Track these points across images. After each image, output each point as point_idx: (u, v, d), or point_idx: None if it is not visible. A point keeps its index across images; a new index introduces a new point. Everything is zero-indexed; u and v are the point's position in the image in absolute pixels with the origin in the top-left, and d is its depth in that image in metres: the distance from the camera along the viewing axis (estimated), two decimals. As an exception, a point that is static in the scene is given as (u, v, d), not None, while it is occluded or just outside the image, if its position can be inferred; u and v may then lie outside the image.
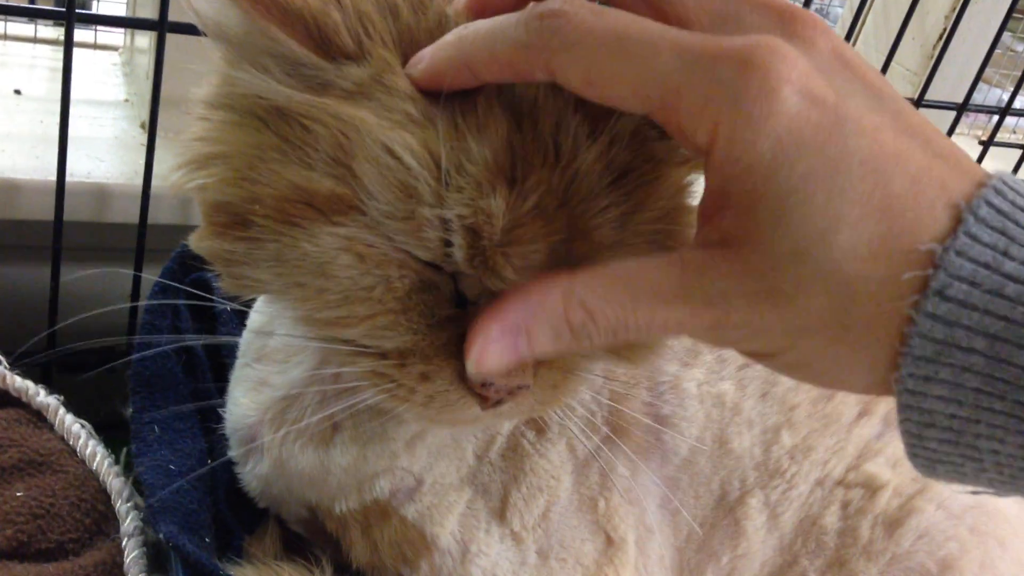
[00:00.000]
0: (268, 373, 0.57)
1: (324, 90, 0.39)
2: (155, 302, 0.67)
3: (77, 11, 0.66)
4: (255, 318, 0.60)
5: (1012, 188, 0.33)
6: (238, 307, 0.71)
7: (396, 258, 0.39)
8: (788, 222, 0.33)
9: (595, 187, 0.40)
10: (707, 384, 0.62)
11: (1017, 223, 0.32)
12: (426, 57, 0.38)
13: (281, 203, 0.39)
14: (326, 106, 0.38)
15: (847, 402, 0.65)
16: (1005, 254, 0.32)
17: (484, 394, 0.40)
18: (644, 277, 0.35)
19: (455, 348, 0.40)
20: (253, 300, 0.64)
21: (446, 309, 0.40)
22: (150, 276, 0.72)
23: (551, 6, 0.35)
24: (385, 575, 0.59)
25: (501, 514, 0.58)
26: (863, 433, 0.64)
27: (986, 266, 0.32)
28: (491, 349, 0.36)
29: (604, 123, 0.40)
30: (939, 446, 0.34)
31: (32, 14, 0.78)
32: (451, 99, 0.38)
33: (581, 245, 0.40)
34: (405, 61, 0.39)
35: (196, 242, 0.44)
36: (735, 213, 0.34)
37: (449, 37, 0.38)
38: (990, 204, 0.33)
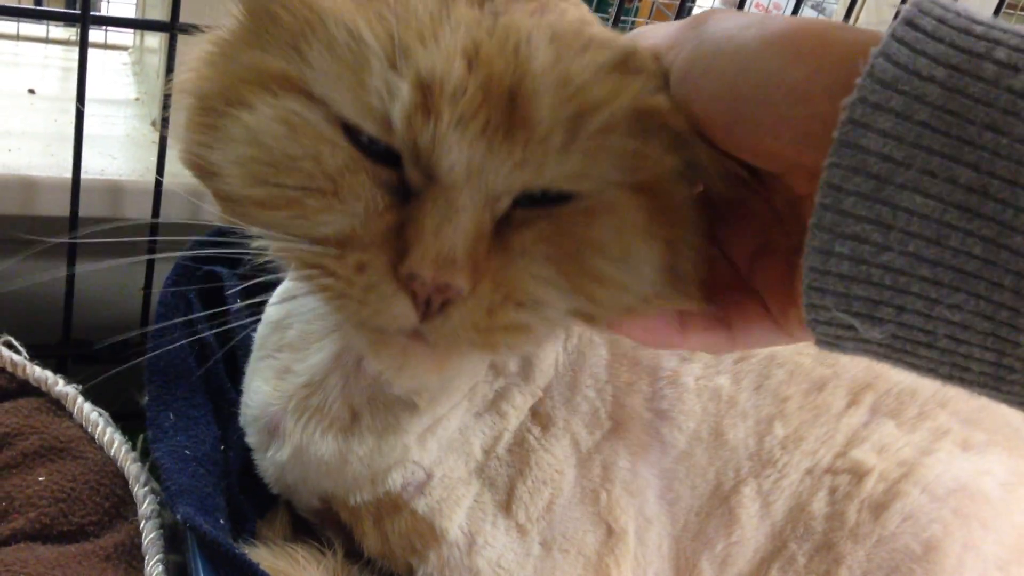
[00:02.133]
0: (291, 361, 0.58)
1: None
2: (170, 289, 0.69)
3: (91, 13, 0.69)
4: (271, 312, 0.62)
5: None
6: (249, 302, 0.73)
7: (329, 136, 0.39)
8: None
9: (544, 90, 0.39)
10: (704, 378, 0.64)
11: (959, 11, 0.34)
12: None
13: (237, 85, 0.41)
14: None
15: (836, 393, 0.66)
16: (966, 13, 0.33)
17: (413, 287, 0.38)
18: None
19: (393, 239, 0.39)
20: (264, 290, 0.66)
21: (385, 199, 0.40)
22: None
23: None
24: (394, 563, 0.61)
25: (507, 507, 0.59)
26: (851, 422, 0.66)
27: (955, 13, 0.33)
28: None
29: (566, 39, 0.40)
30: (855, 203, 0.33)
31: (48, 17, 0.80)
32: None
33: (523, 137, 0.39)
34: None
35: (180, 157, 0.45)
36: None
37: None
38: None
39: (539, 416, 0.60)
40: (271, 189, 0.40)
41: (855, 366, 0.67)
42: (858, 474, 0.64)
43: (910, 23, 0.33)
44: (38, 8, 0.82)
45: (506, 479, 0.59)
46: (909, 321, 0.34)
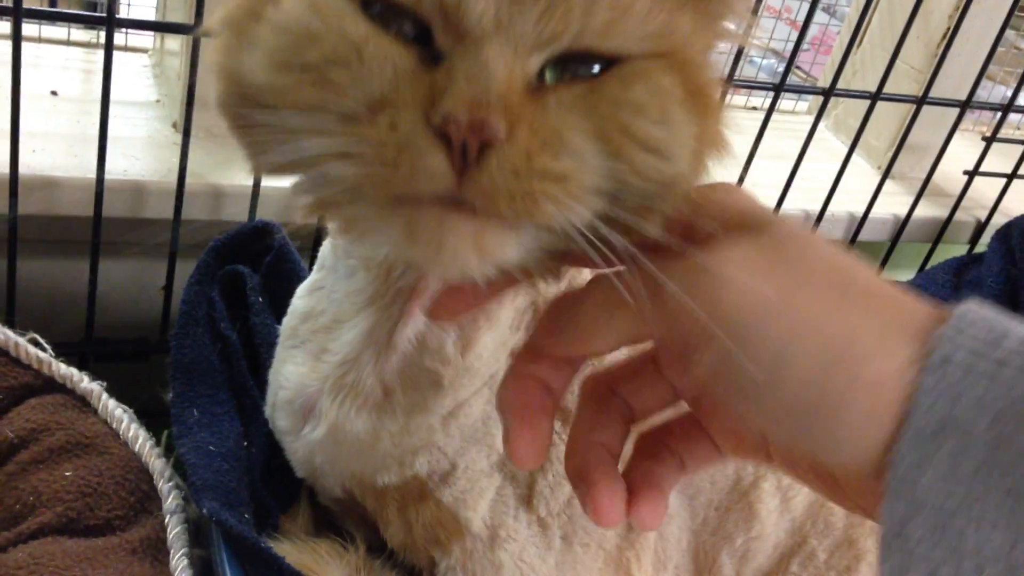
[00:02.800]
0: (326, 341, 0.59)
1: None
2: (193, 287, 0.70)
3: (116, 17, 0.70)
4: (299, 304, 0.62)
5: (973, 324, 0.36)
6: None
7: (352, 13, 0.39)
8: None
9: None
10: None
11: (993, 340, 0.35)
12: None
13: None
14: None
15: None
16: (999, 341, 0.34)
17: (447, 130, 0.36)
18: None
19: (424, 97, 0.37)
20: (284, 289, 0.67)
21: (413, 62, 0.38)
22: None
23: None
24: (417, 556, 0.61)
25: (528, 501, 0.60)
26: None
27: (985, 342, 0.34)
28: None
29: None
30: (918, 542, 0.34)
31: (74, 19, 0.80)
32: None
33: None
34: None
35: (218, 98, 0.43)
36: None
37: None
38: (960, 331, 0.35)
39: (560, 411, 0.60)
40: (296, 73, 0.39)
41: None
42: None
43: (947, 360, 0.34)
44: (63, 11, 0.83)
45: (527, 473, 0.60)
46: None
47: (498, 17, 0.38)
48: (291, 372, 0.61)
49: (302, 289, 0.62)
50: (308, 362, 0.60)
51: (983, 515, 0.32)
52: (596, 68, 0.40)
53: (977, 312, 0.36)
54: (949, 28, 1.16)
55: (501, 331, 0.57)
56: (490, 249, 0.39)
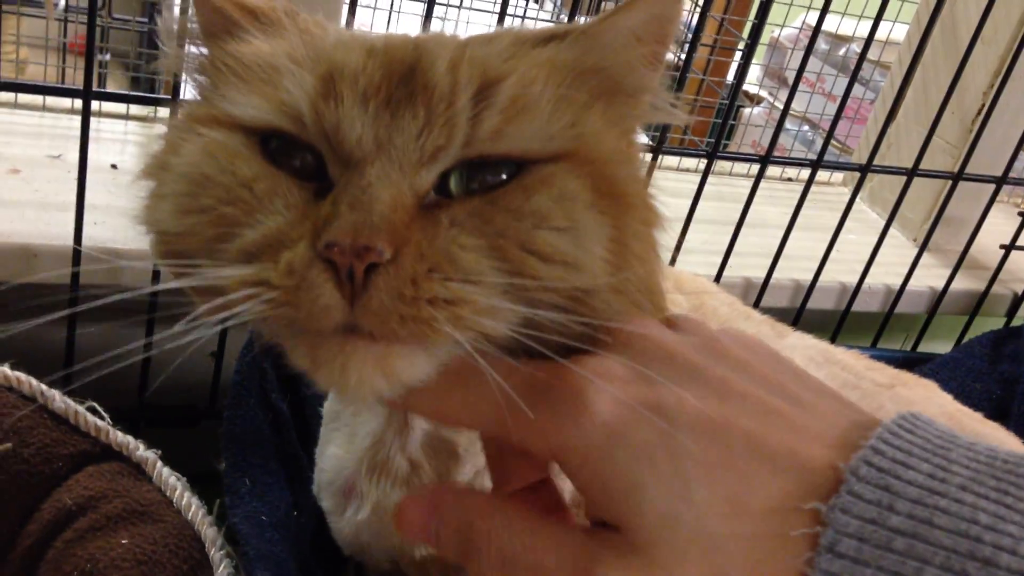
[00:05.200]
0: (356, 425, 0.61)
1: (242, 39, 0.45)
2: (246, 358, 0.72)
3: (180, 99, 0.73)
4: None
5: (892, 444, 0.36)
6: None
7: (245, 152, 0.41)
8: (644, 489, 0.35)
9: (441, 57, 0.41)
10: None
11: (899, 478, 0.34)
12: None
13: (174, 141, 0.44)
14: (235, 48, 0.44)
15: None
16: (890, 509, 0.34)
17: (332, 257, 0.36)
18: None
19: (313, 232, 0.38)
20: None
21: (304, 196, 0.40)
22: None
23: None
24: None
25: None
26: None
27: (872, 522, 0.34)
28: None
29: None
30: None
31: (137, 101, 0.84)
32: None
33: (424, 100, 0.40)
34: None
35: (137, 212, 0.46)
36: (598, 502, 0.37)
37: None
38: (870, 464, 0.35)
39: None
40: (194, 216, 0.40)
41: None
42: None
43: (833, 551, 0.34)
44: (134, 94, 0.87)
45: None
46: None
47: (377, 138, 0.39)
48: (332, 454, 0.63)
49: None
50: (344, 444, 0.62)
51: None
52: (504, 175, 0.40)
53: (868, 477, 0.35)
54: (984, 105, 1.17)
55: None
56: (396, 371, 0.39)
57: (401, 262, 0.37)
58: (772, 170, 1.37)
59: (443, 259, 0.38)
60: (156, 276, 0.78)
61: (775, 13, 1.00)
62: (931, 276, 1.20)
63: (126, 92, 0.81)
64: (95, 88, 0.72)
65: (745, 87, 1.97)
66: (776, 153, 1.01)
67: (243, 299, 0.37)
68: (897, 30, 1.49)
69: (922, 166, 1.07)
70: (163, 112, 0.98)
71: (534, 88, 0.41)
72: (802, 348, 0.78)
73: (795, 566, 0.34)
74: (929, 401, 0.78)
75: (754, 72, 2.11)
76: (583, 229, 0.40)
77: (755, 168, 1.00)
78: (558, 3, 2.09)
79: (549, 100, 0.41)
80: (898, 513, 0.34)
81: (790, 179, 1.41)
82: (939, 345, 1.26)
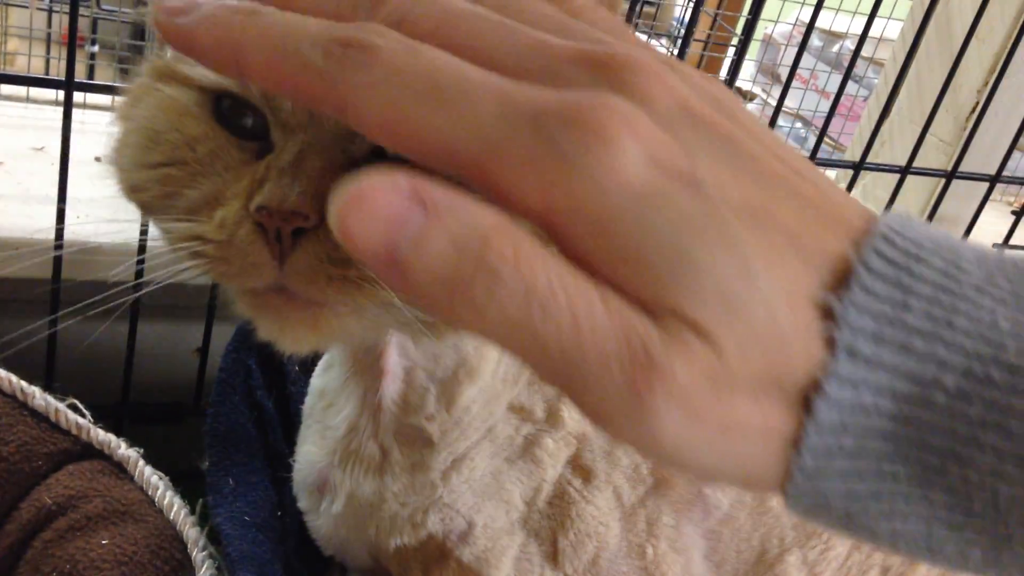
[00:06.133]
0: (330, 418, 0.61)
1: None
2: (231, 355, 0.71)
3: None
4: (315, 383, 0.64)
5: (899, 234, 0.30)
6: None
7: (194, 111, 0.42)
8: (697, 262, 0.27)
9: None
10: None
11: (911, 272, 0.29)
12: (196, 11, 0.31)
13: (136, 93, 0.46)
14: None
15: None
16: (908, 305, 0.29)
17: (262, 221, 0.38)
18: None
19: (247, 192, 0.39)
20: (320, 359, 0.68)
21: (244, 157, 0.41)
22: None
23: (359, 35, 0.29)
24: None
25: (553, 558, 0.60)
26: None
27: (889, 322, 0.29)
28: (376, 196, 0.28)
29: None
30: (825, 530, 0.32)
31: (122, 93, 0.83)
32: None
33: None
34: None
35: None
36: (622, 275, 0.27)
37: (233, 11, 0.31)
38: (880, 254, 0.30)
39: (579, 468, 0.60)
40: (146, 171, 0.43)
41: None
42: None
43: (851, 352, 0.28)
44: (119, 85, 0.85)
45: (549, 531, 0.60)
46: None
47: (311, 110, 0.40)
48: (305, 451, 0.63)
49: (319, 367, 0.63)
50: (317, 440, 0.62)
51: (893, 508, 0.30)
52: None
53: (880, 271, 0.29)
54: (979, 103, 1.17)
55: (486, 384, 0.58)
56: (328, 329, 0.41)
57: (327, 230, 0.37)
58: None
59: (353, 276, 0.39)
60: (139, 274, 0.76)
61: (768, 9, 1.00)
62: (924, 275, 1.20)
63: (110, 83, 0.79)
64: (81, 79, 0.70)
65: (738, 84, 1.97)
66: (769, 150, 1.00)
67: (185, 254, 0.40)
68: (891, 27, 1.48)
69: (916, 164, 1.06)
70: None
71: None
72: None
73: (817, 362, 0.28)
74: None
75: (747, 69, 2.11)
76: None
77: (748, 165, 0.99)
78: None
79: None
80: (913, 311, 0.29)
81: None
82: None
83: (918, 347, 0.29)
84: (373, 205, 0.26)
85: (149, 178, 0.43)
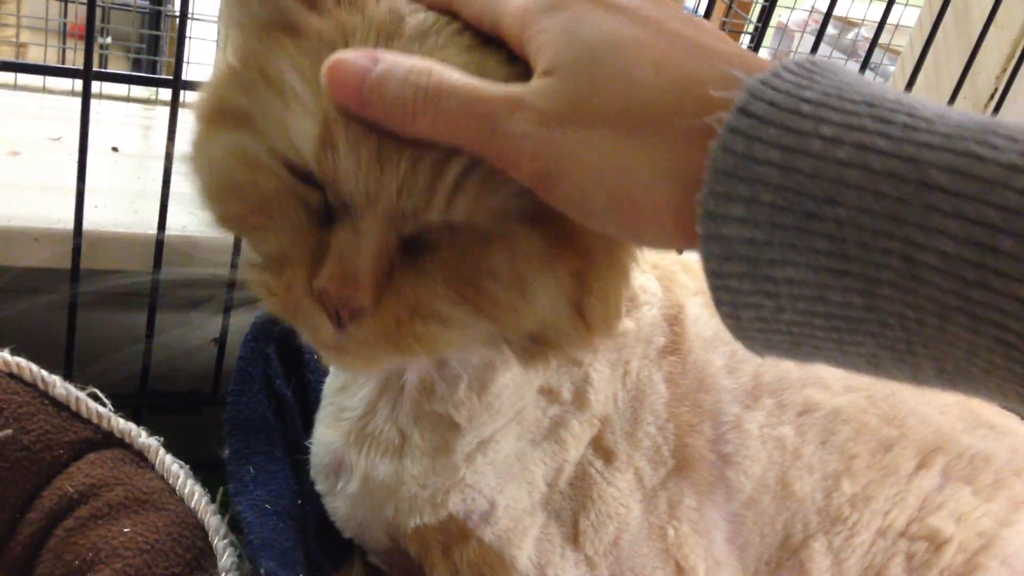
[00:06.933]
0: (345, 399, 0.61)
1: (290, 30, 0.45)
2: (249, 344, 0.71)
3: (182, 80, 0.72)
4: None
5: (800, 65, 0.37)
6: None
7: (268, 165, 0.44)
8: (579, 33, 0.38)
9: None
10: (768, 427, 0.64)
11: (812, 80, 0.35)
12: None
13: (212, 114, 0.47)
14: (273, 37, 0.45)
15: (904, 454, 0.66)
16: (805, 87, 0.35)
17: (323, 301, 0.42)
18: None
19: (315, 258, 0.43)
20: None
21: (310, 221, 0.44)
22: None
23: None
24: None
25: (574, 539, 0.60)
26: (922, 485, 0.66)
27: (787, 93, 0.35)
28: (344, 59, 0.40)
29: None
30: (739, 283, 0.36)
31: (138, 82, 0.83)
32: None
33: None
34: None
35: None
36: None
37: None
38: (786, 68, 0.36)
39: (601, 449, 0.60)
40: (229, 206, 0.46)
41: (923, 428, 0.67)
42: (936, 542, 0.64)
43: (744, 111, 0.35)
44: (136, 75, 0.85)
45: (570, 512, 0.60)
46: (829, 354, 0.37)
47: (368, 193, 0.41)
48: (320, 434, 0.64)
49: None
50: (332, 423, 0.62)
51: (784, 252, 0.34)
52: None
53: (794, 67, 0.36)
54: (997, 89, 1.16)
55: (520, 369, 0.58)
56: (382, 366, 0.49)
57: (384, 308, 0.42)
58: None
59: (422, 305, 0.43)
60: (158, 261, 0.77)
61: (786, -4, 0.99)
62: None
63: (127, 73, 0.79)
64: (96, 69, 0.71)
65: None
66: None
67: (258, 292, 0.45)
68: (908, 14, 1.47)
69: (934, 151, 1.05)
70: (164, 94, 0.97)
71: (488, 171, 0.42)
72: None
73: (701, 125, 0.36)
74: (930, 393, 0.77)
75: (762, 57, 2.09)
76: (532, 286, 0.44)
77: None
78: None
79: (509, 186, 0.42)
80: (811, 90, 0.35)
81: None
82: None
83: (804, 109, 0.34)
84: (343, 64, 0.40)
85: (228, 213, 0.47)
